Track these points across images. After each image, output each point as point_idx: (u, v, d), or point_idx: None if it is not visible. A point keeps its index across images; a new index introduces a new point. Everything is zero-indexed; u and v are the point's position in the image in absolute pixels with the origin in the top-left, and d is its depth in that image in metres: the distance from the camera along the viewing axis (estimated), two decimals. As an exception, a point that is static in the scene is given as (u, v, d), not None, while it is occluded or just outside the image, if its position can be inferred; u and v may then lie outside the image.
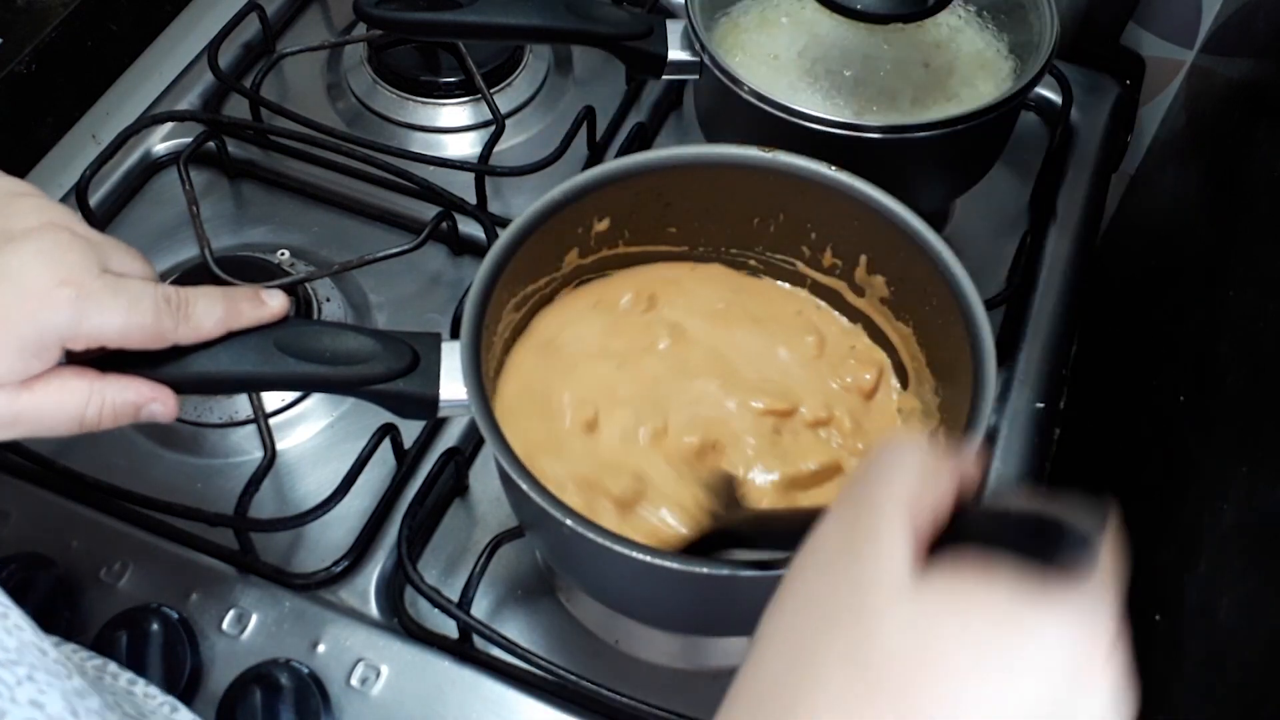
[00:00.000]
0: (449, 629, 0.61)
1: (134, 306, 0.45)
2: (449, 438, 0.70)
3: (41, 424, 0.45)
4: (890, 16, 0.70)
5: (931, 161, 0.72)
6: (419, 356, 0.52)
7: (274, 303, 0.50)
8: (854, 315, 0.64)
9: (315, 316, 0.74)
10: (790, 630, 0.34)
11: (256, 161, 0.83)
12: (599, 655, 0.63)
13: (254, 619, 0.62)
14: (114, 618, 0.60)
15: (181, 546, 0.65)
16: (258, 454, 0.66)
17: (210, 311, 0.48)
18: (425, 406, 0.52)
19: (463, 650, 0.61)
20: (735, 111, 0.69)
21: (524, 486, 0.48)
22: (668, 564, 0.47)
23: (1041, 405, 0.73)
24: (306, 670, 0.59)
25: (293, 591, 0.63)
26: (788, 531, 0.42)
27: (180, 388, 0.49)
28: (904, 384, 0.62)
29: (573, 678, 0.58)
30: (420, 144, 0.85)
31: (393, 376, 0.51)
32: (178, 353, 0.49)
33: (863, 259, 0.62)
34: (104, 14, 0.80)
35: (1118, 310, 0.92)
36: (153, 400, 0.48)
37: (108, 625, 0.60)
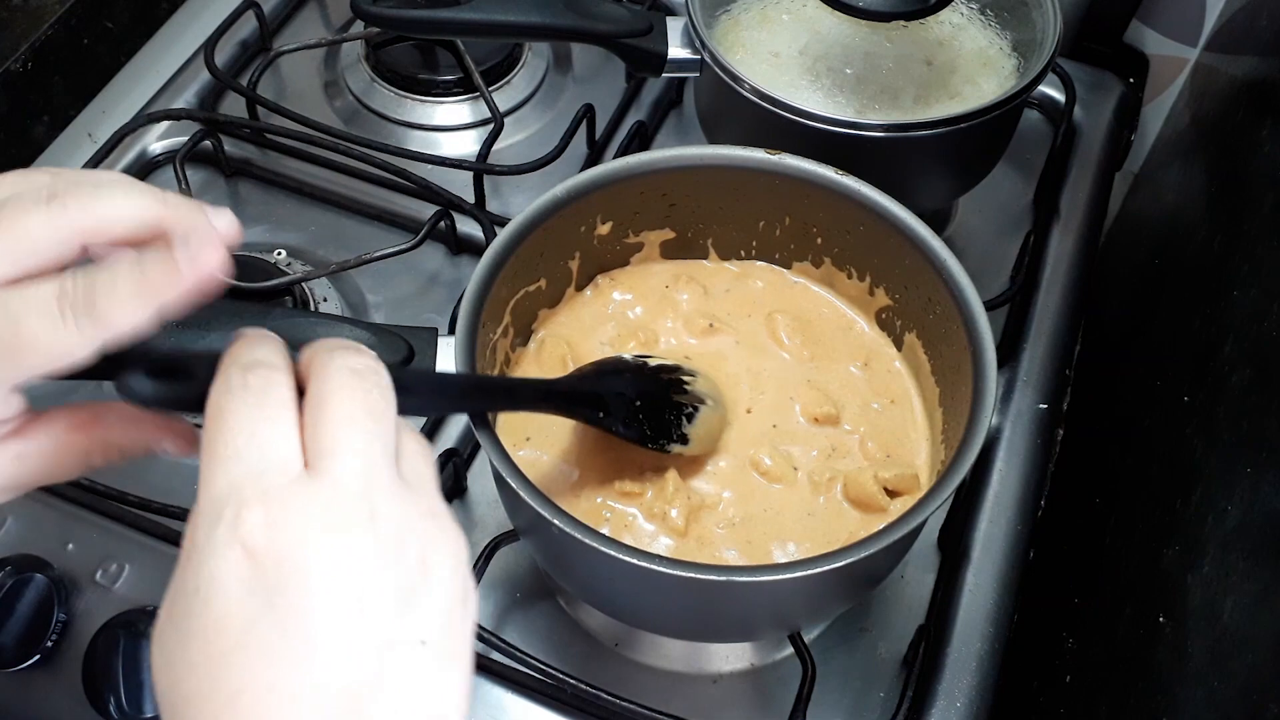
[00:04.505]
0: (447, 632, 0.61)
1: (10, 330, 0.33)
2: (447, 439, 0.69)
3: (40, 483, 0.39)
4: (892, 14, 0.69)
5: (934, 160, 0.71)
6: (414, 351, 0.51)
7: (206, 256, 0.35)
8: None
9: (313, 316, 0.73)
10: None
11: (253, 160, 0.83)
12: (598, 659, 0.62)
13: (251, 622, 0.61)
14: (110, 620, 0.59)
15: (178, 549, 0.63)
16: (255, 455, 0.66)
17: (120, 294, 0.34)
18: None
19: (461, 653, 0.61)
20: (736, 110, 0.69)
21: (514, 485, 0.48)
22: (656, 567, 0.46)
23: (1044, 406, 0.73)
24: (304, 674, 0.59)
25: (290, 594, 0.62)
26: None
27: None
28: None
29: (571, 681, 0.58)
30: (418, 142, 0.84)
31: None
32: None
33: (868, 274, 0.62)
34: (100, 12, 0.80)
35: (1121, 310, 0.91)
36: (162, 439, 0.40)
37: (104, 628, 0.59)
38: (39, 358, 0.34)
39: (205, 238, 0.35)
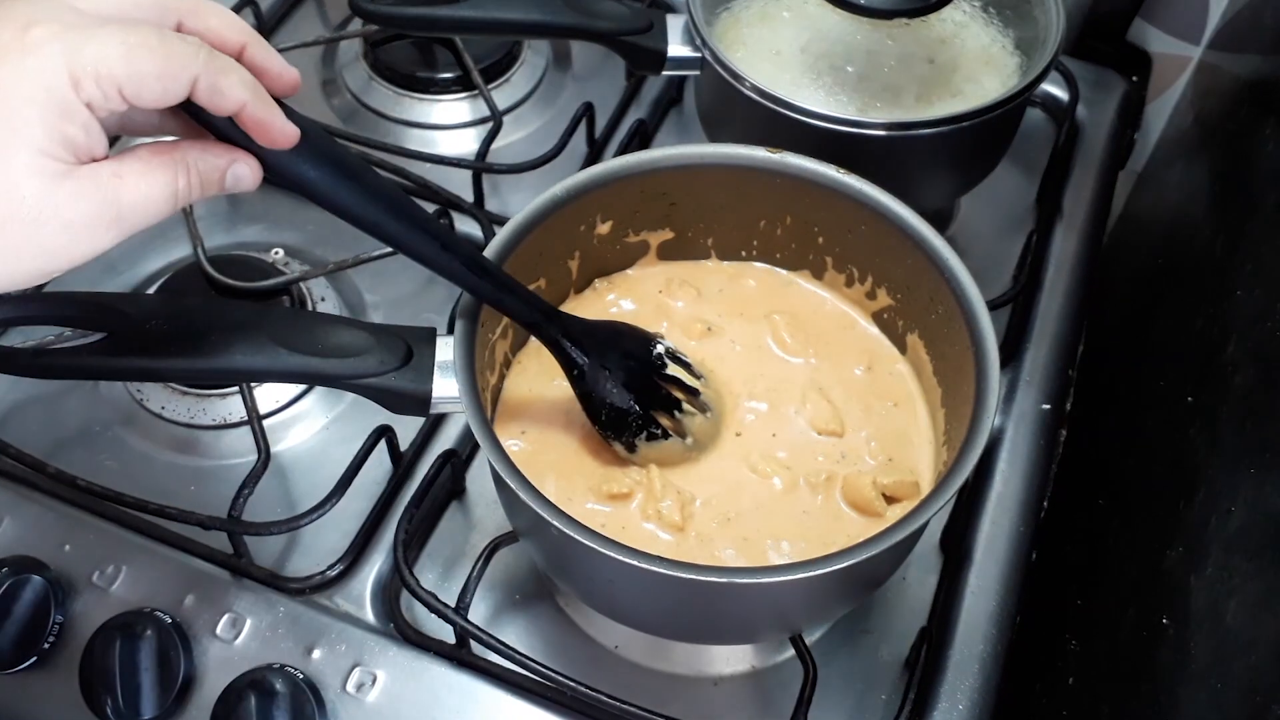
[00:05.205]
0: (446, 634, 0.61)
1: (132, 32, 0.39)
2: (446, 439, 0.69)
3: (140, 210, 0.42)
4: (894, 12, 0.69)
5: (936, 159, 0.71)
6: (413, 351, 0.51)
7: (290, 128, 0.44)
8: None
9: (311, 316, 0.73)
10: None
11: (252, 158, 0.82)
12: (598, 661, 0.62)
13: (248, 624, 0.61)
14: (107, 622, 0.59)
15: (175, 550, 0.64)
16: (252, 456, 0.66)
17: (241, 80, 0.42)
18: (417, 402, 0.51)
19: (460, 655, 0.61)
20: (737, 108, 0.69)
21: (513, 485, 0.48)
22: (656, 568, 0.46)
23: (1047, 406, 0.72)
24: (301, 676, 0.59)
25: (287, 596, 0.62)
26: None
27: (173, 372, 0.46)
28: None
29: (571, 683, 0.58)
30: (417, 141, 0.84)
31: (385, 371, 0.50)
32: (169, 345, 0.48)
33: (869, 274, 0.61)
34: (97, 9, 0.79)
35: (1124, 310, 0.91)
36: (234, 161, 0.44)
37: (101, 630, 0.59)
38: (150, 59, 0.39)
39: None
